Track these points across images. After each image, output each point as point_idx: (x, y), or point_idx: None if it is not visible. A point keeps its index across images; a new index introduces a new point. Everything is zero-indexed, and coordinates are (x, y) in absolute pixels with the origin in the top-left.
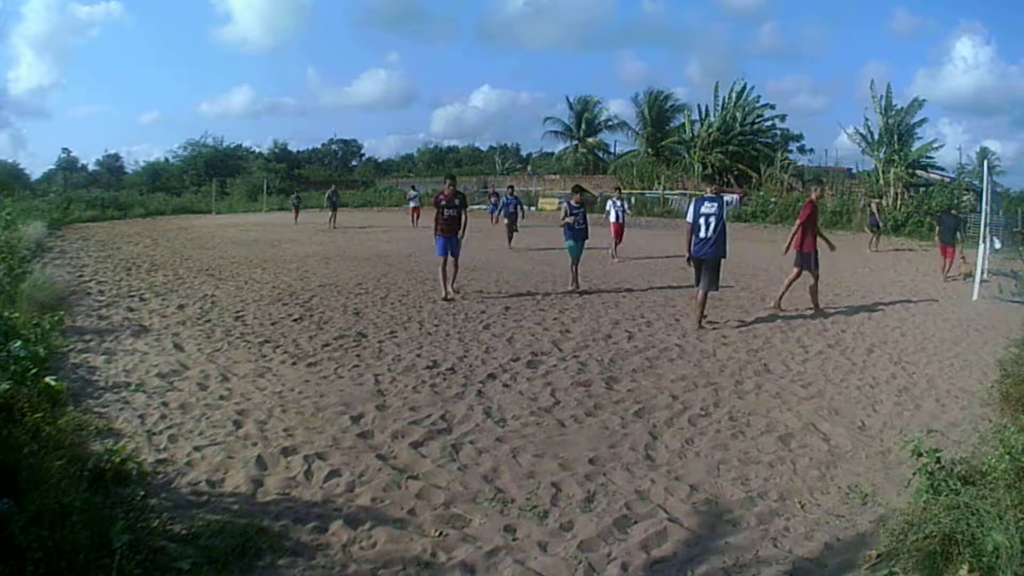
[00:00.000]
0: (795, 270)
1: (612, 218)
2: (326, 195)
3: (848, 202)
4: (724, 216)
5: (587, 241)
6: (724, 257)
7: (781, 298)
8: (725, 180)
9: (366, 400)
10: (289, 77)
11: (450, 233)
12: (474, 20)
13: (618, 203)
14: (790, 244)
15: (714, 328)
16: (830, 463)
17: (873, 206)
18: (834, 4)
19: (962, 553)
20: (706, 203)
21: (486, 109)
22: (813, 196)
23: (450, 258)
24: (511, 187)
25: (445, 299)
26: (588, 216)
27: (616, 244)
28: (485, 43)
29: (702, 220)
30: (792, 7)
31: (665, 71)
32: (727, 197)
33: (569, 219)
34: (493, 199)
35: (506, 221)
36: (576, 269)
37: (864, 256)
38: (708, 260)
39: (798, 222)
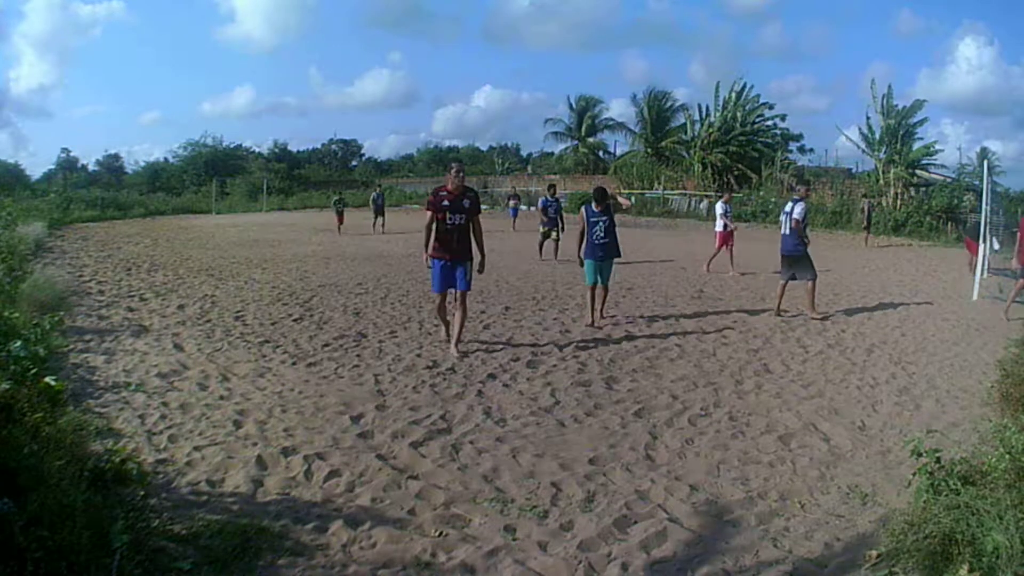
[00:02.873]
0: (1021, 280)
1: (719, 226)
2: (371, 198)
3: (848, 202)
4: (792, 215)
5: (617, 260)
6: (794, 252)
7: (1008, 307)
8: (725, 181)
9: (366, 400)
10: (291, 77)
11: (454, 255)
12: (479, 20)
13: (728, 208)
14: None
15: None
16: (830, 463)
17: (865, 204)
18: (838, 4)
19: (962, 553)
20: (788, 203)
21: (488, 109)
22: None
23: (452, 293)
24: (552, 186)
25: (456, 356)
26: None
27: (718, 253)
28: (489, 43)
29: (782, 217)
30: (796, 7)
31: (668, 71)
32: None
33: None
34: (513, 200)
35: (542, 228)
36: (592, 296)
37: (862, 254)
38: (784, 255)
39: None
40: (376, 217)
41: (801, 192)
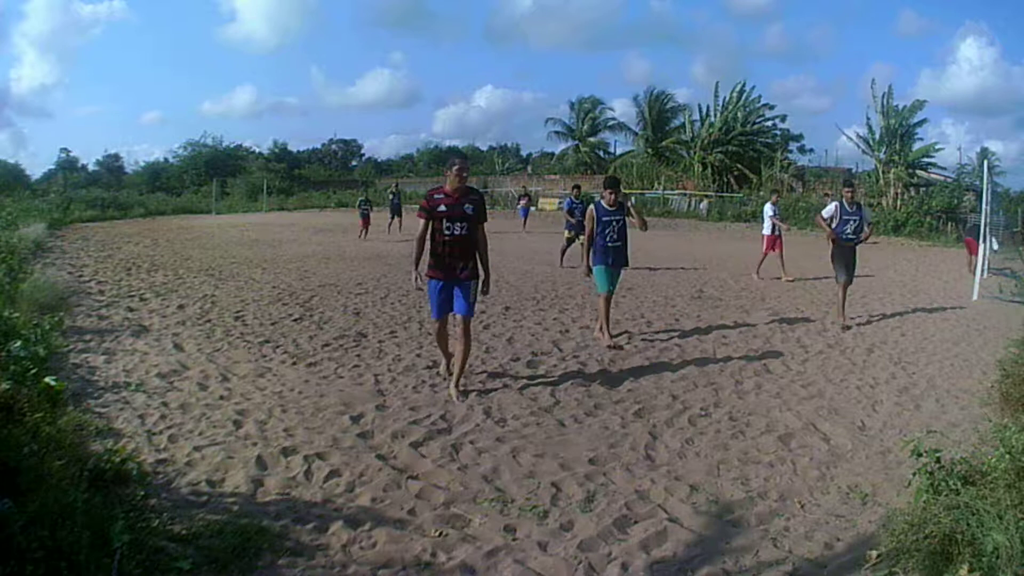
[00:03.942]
0: None
1: (767, 229)
2: (388, 196)
3: None
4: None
5: (625, 269)
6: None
7: None
8: (725, 181)
9: (366, 400)
10: (292, 77)
11: (454, 273)
12: (481, 20)
13: (776, 209)
14: None
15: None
16: (830, 463)
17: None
18: (840, 5)
19: (962, 553)
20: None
21: (489, 109)
22: None
23: (454, 316)
24: (577, 186)
25: (456, 398)
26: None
27: (765, 258)
28: (491, 43)
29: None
30: (798, 8)
31: (670, 71)
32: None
33: (584, 250)
34: (523, 200)
35: (567, 232)
36: (607, 308)
37: (862, 254)
38: None
39: None
40: (392, 217)
41: (842, 193)
